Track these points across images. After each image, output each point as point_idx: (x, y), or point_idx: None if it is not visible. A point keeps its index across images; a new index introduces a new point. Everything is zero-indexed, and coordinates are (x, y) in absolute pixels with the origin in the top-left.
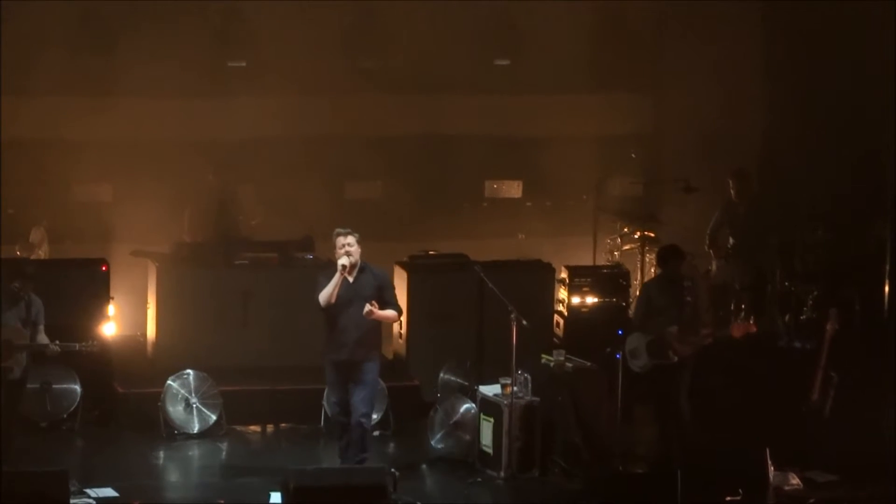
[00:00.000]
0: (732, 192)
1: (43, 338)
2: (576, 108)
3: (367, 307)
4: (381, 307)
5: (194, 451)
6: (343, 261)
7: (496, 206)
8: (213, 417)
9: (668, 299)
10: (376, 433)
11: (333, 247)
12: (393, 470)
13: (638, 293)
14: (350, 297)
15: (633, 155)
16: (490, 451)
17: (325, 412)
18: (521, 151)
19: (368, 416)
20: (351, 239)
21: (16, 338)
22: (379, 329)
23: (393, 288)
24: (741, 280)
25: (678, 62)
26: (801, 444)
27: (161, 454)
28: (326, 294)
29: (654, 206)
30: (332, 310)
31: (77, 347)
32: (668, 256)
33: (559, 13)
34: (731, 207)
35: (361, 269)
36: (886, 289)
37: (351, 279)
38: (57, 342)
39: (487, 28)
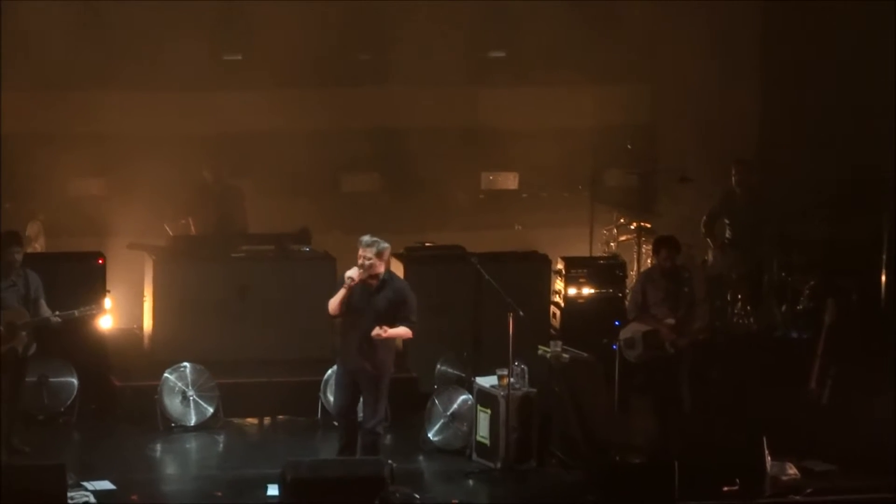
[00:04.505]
0: (734, 179)
1: (46, 311)
2: (571, 100)
3: (376, 330)
4: (395, 323)
5: (191, 444)
6: (351, 272)
7: (492, 198)
8: (210, 410)
9: (664, 291)
10: None
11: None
12: (390, 462)
13: (633, 284)
14: (364, 308)
15: (629, 146)
16: (487, 442)
17: (323, 404)
18: (517, 143)
19: (381, 422)
20: (370, 252)
21: (16, 318)
22: (392, 342)
23: (410, 304)
24: (738, 270)
25: (674, 53)
26: (799, 434)
27: (158, 447)
28: (332, 304)
29: (651, 196)
30: (345, 318)
31: (76, 314)
32: (662, 247)
33: (554, 4)
34: (729, 197)
35: (384, 281)
36: (883, 278)
37: (372, 290)
38: (57, 313)
39: (483, 20)
